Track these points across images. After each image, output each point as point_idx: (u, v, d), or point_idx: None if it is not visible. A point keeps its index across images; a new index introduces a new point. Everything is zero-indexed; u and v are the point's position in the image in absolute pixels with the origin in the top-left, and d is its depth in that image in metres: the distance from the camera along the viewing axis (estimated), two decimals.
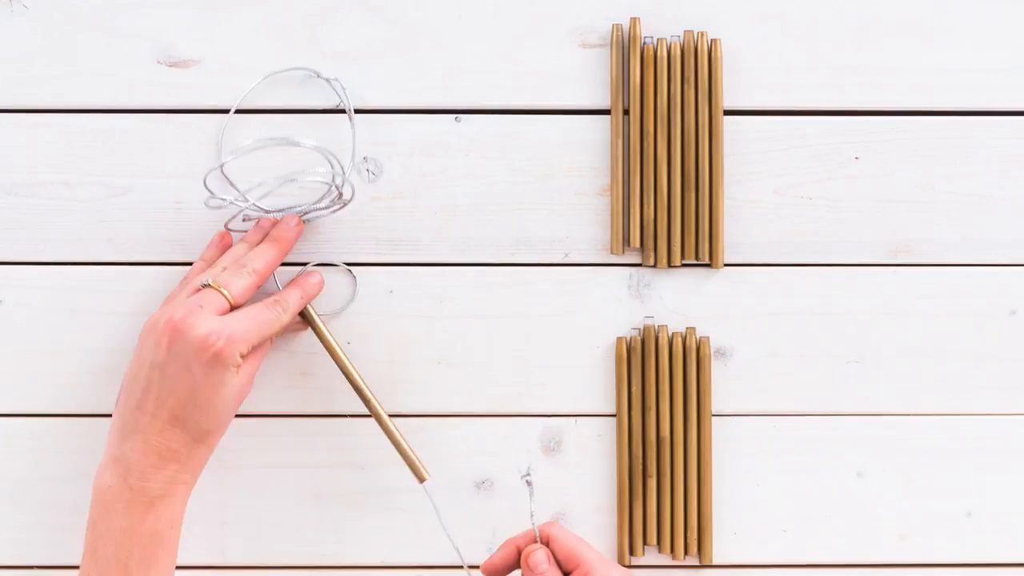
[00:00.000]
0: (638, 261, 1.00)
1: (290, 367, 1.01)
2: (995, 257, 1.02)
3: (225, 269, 0.93)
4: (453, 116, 1.00)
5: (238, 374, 0.90)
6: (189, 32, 1.00)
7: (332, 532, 1.01)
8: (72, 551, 1.00)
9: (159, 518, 0.90)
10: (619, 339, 1.00)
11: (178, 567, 0.98)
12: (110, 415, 0.98)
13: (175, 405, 0.90)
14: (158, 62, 1.00)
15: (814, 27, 1.01)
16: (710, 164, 0.99)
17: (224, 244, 0.98)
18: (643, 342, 0.99)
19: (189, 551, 1.00)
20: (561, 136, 1.00)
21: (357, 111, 1.00)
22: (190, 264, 0.99)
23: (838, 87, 1.01)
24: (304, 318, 0.98)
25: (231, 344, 0.89)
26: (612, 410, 1.02)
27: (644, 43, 0.99)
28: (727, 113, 1.00)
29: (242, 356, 0.90)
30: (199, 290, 0.92)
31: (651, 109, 0.99)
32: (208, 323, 0.89)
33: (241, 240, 0.97)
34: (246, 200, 0.96)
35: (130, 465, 0.90)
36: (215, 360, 0.89)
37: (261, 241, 0.97)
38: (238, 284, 0.92)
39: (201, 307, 0.90)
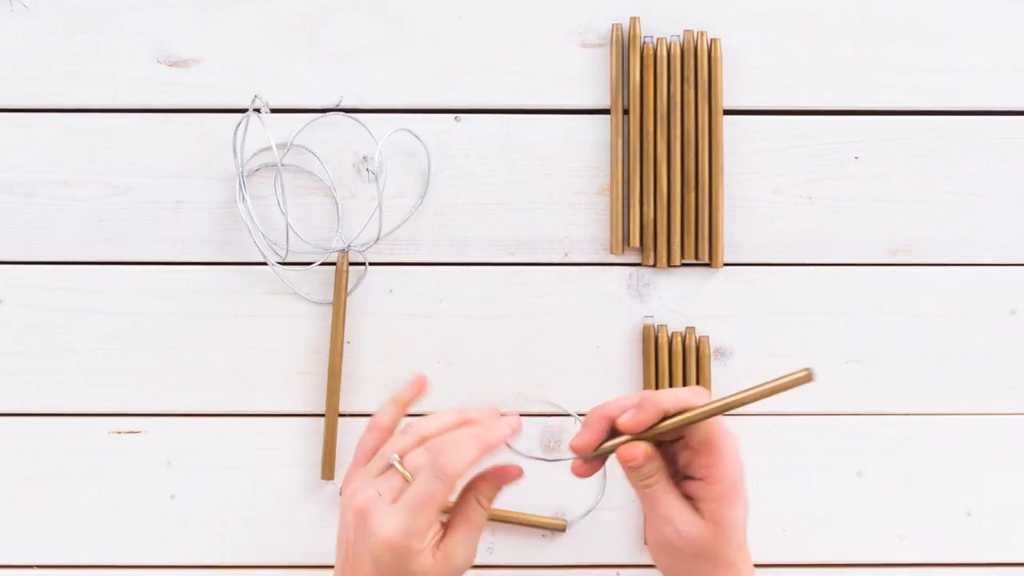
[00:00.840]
0: (638, 261, 1.00)
1: (290, 367, 1.01)
2: (995, 257, 1.02)
3: (418, 446, 0.87)
4: (453, 116, 1.01)
5: (432, 556, 0.85)
6: (189, 32, 1.00)
7: (331, 532, 1.01)
8: (72, 551, 1.01)
9: None
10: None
11: (177, 567, 1.00)
12: (110, 414, 1.00)
13: None
14: (158, 62, 1.00)
15: (814, 27, 1.01)
16: (710, 164, 0.99)
17: (419, 386, 0.92)
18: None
19: (189, 551, 1.00)
20: (561, 136, 1.00)
21: (357, 111, 1.00)
22: (189, 264, 1.00)
23: (838, 87, 1.01)
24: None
25: (402, 538, 0.83)
26: None
27: (644, 43, 0.99)
28: (727, 113, 1.00)
29: (425, 543, 0.85)
30: (389, 466, 0.87)
31: (651, 109, 0.99)
32: (386, 524, 0.84)
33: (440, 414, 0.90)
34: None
35: None
36: (389, 550, 0.84)
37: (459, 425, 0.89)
38: (421, 463, 0.86)
39: (380, 495, 0.85)
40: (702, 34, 0.99)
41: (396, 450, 0.85)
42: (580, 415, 0.91)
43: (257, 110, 0.96)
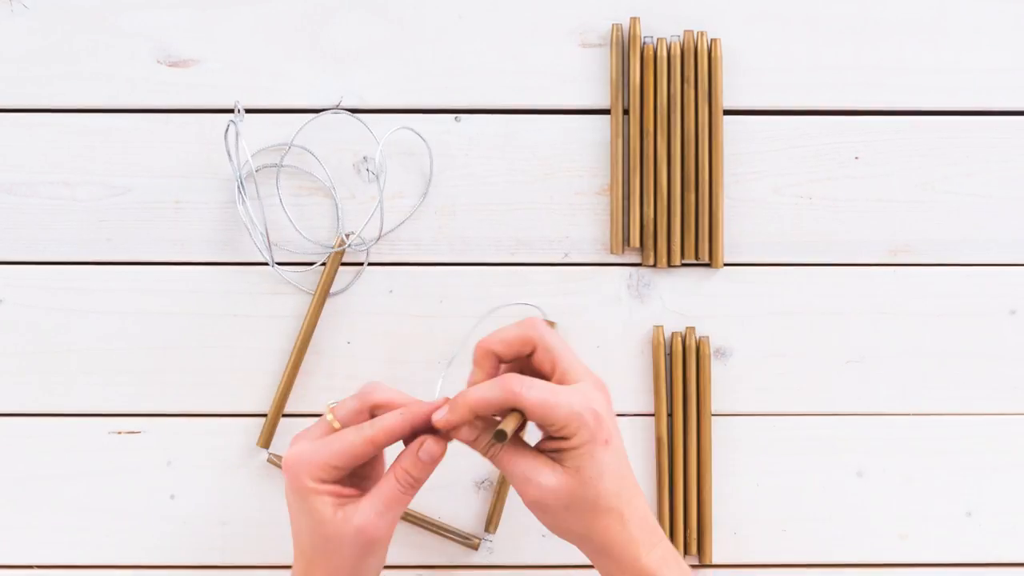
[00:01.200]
0: (638, 261, 1.00)
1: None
2: (995, 257, 1.02)
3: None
4: (453, 116, 1.01)
5: (333, 506, 0.86)
6: (189, 32, 1.01)
7: None
8: (72, 551, 1.01)
9: None
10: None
11: (177, 567, 1.00)
12: (110, 414, 1.01)
13: (294, 539, 0.89)
14: (158, 62, 1.01)
15: (814, 27, 1.01)
16: (710, 164, 0.99)
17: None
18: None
19: (189, 551, 1.01)
20: (561, 136, 1.01)
21: (357, 111, 1.00)
22: (189, 264, 1.00)
23: (838, 87, 1.01)
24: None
25: (300, 466, 0.85)
26: (624, 411, 1.00)
27: (644, 43, 1.00)
28: (727, 113, 1.00)
29: (323, 481, 0.85)
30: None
31: (651, 109, 0.99)
32: (293, 448, 0.86)
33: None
34: None
35: None
36: (290, 484, 0.86)
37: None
38: (345, 406, 0.88)
39: (302, 435, 0.88)
40: (702, 34, 0.99)
41: (334, 406, 0.87)
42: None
43: (233, 120, 0.96)
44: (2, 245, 1.01)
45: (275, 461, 0.98)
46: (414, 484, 0.86)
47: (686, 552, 1.00)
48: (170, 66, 1.01)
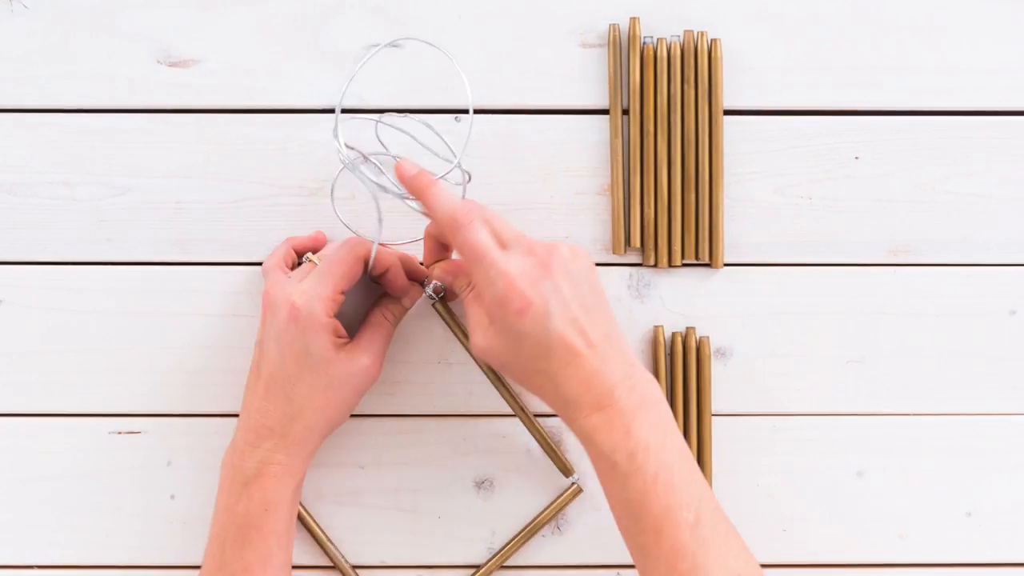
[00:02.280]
0: (638, 261, 1.00)
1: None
2: (995, 257, 1.02)
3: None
4: (453, 116, 1.01)
5: (334, 345, 0.91)
6: (189, 32, 1.01)
7: (331, 532, 1.02)
8: (72, 551, 1.01)
9: (251, 499, 0.91)
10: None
11: (177, 567, 1.00)
12: (110, 415, 1.01)
13: (268, 377, 0.92)
14: (158, 62, 1.01)
15: (814, 27, 1.01)
16: (710, 164, 0.99)
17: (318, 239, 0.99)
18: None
19: (189, 551, 1.00)
20: (561, 136, 1.00)
21: (356, 111, 1.00)
22: (189, 264, 1.00)
23: (838, 87, 1.01)
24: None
25: (313, 301, 0.90)
26: None
27: (644, 43, 1.00)
28: (727, 113, 1.00)
29: (328, 316, 0.91)
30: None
31: (651, 109, 0.99)
32: (287, 287, 0.91)
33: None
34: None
35: (235, 444, 0.93)
36: (293, 320, 0.90)
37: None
38: (334, 255, 0.93)
39: (289, 278, 0.93)
40: (702, 34, 0.99)
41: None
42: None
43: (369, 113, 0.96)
44: (2, 245, 1.01)
45: None
46: (396, 322, 0.96)
47: None
48: (170, 66, 1.01)
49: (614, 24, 1.00)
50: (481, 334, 0.88)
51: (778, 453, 1.00)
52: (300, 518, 0.99)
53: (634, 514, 0.85)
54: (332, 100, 0.99)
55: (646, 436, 0.85)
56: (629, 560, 0.94)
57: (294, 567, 1.00)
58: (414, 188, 0.90)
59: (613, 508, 0.87)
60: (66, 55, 1.01)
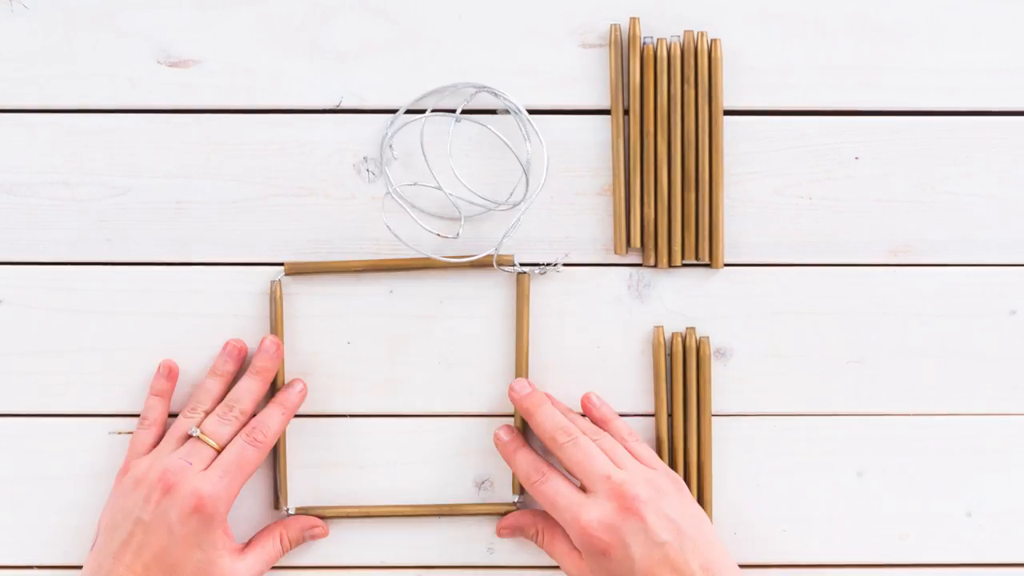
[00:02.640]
0: (638, 261, 1.01)
1: (291, 367, 1.02)
2: (995, 257, 1.03)
3: (209, 414, 0.96)
4: (452, 115, 1.01)
5: (226, 549, 0.93)
6: (189, 32, 1.01)
7: (333, 531, 1.03)
8: (72, 550, 1.02)
9: None
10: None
11: None
12: (110, 415, 1.01)
13: (151, 558, 0.92)
14: (158, 62, 1.01)
15: (814, 27, 1.02)
16: (710, 164, 1.00)
17: (239, 354, 0.99)
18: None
19: None
20: (561, 136, 1.01)
21: (357, 111, 1.01)
22: (189, 264, 1.00)
23: (838, 87, 1.02)
24: None
25: (213, 497, 0.92)
26: (622, 411, 1.03)
27: (644, 43, 1.00)
28: (727, 113, 1.01)
29: (226, 515, 0.93)
30: (187, 438, 0.95)
31: (651, 109, 1.00)
32: (191, 476, 0.92)
33: (212, 374, 0.99)
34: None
35: None
36: (197, 512, 0.91)
37: (237, 373, 0.99)
38: (224, 432, 0.94)
39: (190, 464, 0.93)
40: (702, 34, 1.00)
41: (191, 424, 0.94)
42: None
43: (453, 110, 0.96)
44: (2, 245, 1.02)
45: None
46: (289, 549, 0.98)
47: None
48: (170, 66, 1.01)
49: (616, 24, 1.00)
50: (571, 563, 0.95)
51: (778, 453, 1.00)
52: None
53: None
54: (332, 100, 1.00)
55: None
56: None
57: (292, 567, 1.02)
58: (525, 407, 0.97)
59: None
60: (66, 55, 1.01)
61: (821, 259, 1.02)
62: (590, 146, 1.01)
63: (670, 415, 1.01)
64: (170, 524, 0.92)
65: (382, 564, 1.02)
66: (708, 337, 1.00)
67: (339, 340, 1.01)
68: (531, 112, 1.01)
